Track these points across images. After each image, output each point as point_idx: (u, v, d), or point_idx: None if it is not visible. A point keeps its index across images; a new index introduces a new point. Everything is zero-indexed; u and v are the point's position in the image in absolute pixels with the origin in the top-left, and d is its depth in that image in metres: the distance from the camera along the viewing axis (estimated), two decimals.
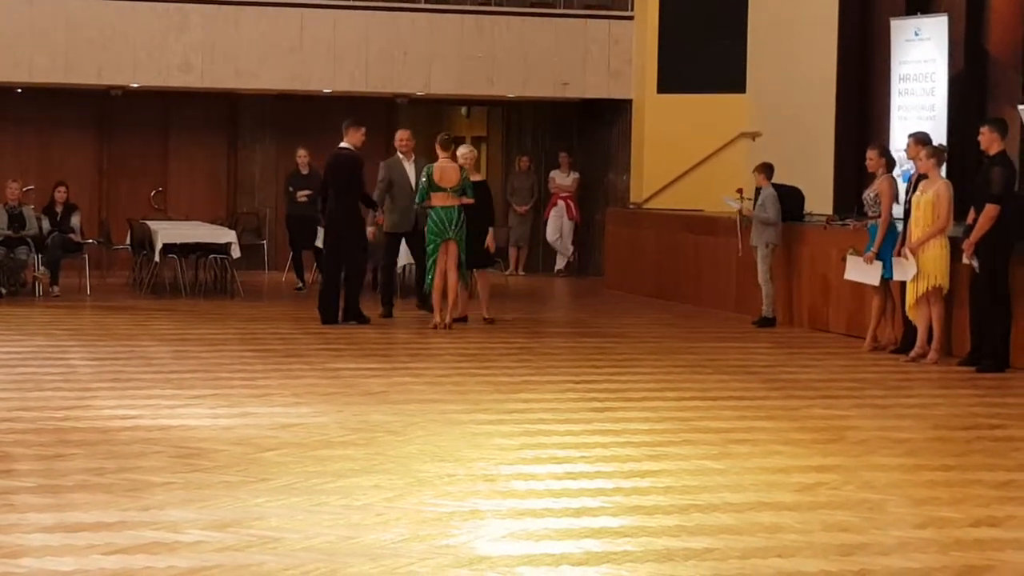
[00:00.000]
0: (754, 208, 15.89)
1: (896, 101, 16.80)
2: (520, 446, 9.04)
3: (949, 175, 13.54)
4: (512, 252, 22.82)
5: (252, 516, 7.10)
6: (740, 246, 16.17)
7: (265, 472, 8.09)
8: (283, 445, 8.89)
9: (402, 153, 16.37)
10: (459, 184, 14.88)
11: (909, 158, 13.83)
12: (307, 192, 19.24)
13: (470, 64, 21.53)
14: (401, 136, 16.64)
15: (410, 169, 16.23)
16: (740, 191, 16.19)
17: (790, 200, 16.63)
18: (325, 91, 21.62)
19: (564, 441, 9.24)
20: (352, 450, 8.79)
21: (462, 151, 15.82)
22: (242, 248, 18.58)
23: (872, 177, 14.21)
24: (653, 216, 20.01)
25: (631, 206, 21.36)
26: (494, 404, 10.61)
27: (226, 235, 18.45)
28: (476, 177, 15.85)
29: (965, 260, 12.64)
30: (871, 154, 14.18)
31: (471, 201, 14.98)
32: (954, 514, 7.43)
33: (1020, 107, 14.54)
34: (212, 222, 20.57)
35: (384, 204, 16.13)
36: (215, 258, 18.52)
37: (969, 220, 12.73)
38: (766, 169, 15.97)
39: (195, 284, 18.71)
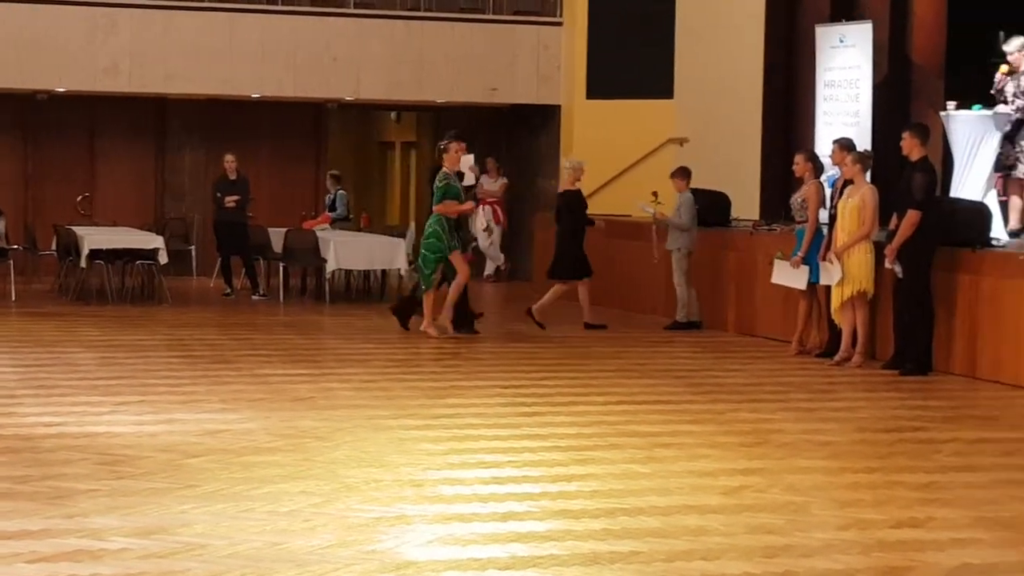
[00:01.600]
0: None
1: (821, 107, 16.94)
2: (447, 451, 9.06)
3: (873, 180, 13.68)
4: None
5: (178, 523, 7.07)
6: (655, 252, 16.23)
7: (191, 479, 8.06)
8: (209, 451, 8.86)
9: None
10: (436, 192, 14.82)
11: (834, 164, 13.95)
12: (235, 198, 19.17)
13: (400, 69, 21.52)
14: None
15: None
16: (655, 194, 16.23)
17: (716, 205, 16.77)
18: (254, 96, 21.55)
19: (491, 446, 9.26)
20: (279, 456, 8.77)
21: (564, 164, 16.16)
22: (170, 254, 18.49)
23: (799, 182, 14.32)
24: None
25: None
26: (422, 409, 10.62)
27: (153, 241, 18.34)
28: (569, 187, 16.07)
29: (888, 265, 12.77)
30: (799, 159, 14.30)
31: (447, 208, 14.79)
32: (877, 515, 7.51)
33: (942, 113, 14.71)
34: (140, 228, 20.44)
35: None
36: (142, 264, 18.41)
37: (892, 225, 12.87)
38: (683, 174, 16.09)
39: (122, 290, 18.59)
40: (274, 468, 8.40)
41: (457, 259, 14.88)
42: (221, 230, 19.46)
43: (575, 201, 16.00)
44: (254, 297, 19.06)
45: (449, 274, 14.98)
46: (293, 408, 10.55)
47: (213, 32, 20.85)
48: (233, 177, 19.43)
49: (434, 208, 14.80)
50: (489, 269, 22.66)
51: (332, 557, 6.55)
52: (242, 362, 13.05)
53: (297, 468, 8.42)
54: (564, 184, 16.27)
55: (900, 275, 12.69)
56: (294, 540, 6.81)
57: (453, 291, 14.99)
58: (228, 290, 19.36)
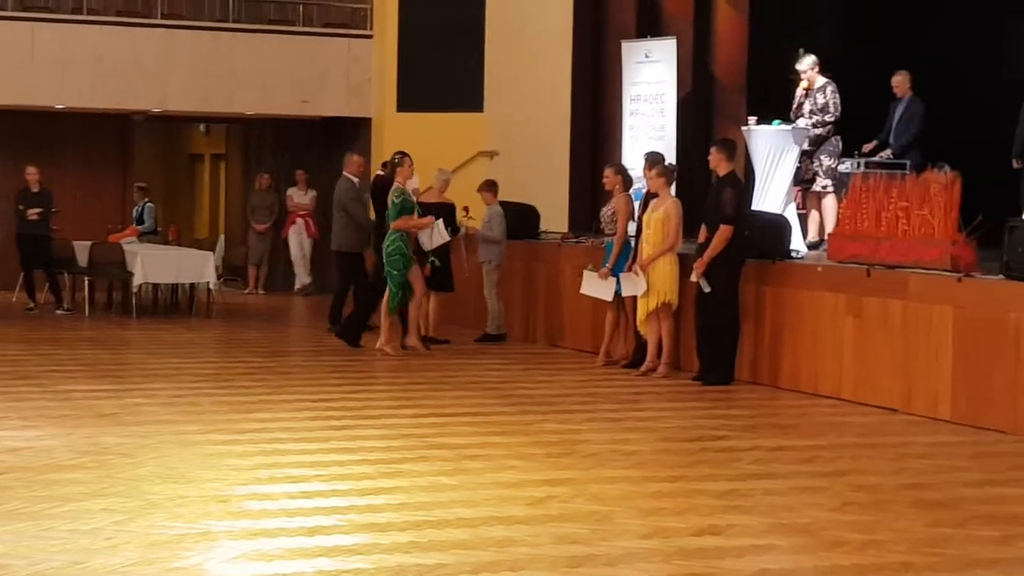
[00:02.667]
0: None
1: (628, 121, 17.18)
2: (255, 466, 9.00)
3: (678, 194, 13.91)
4: (251, 271, 22.67)
5: None
6: (466, 265, 16.29)
7: None
8: (10, 469, 8.69)
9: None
10: (393, 208, 14.69)
11: (644, 177, 14.15)
12: (37, 210, 18.81)
13: (208, 80, 21.31)
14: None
15: None
16: (466, 209, 16.39)
17: (525, 218, 16.91)
18: (57, 107, 21.16)
19: (300, 460, 9.23)
20: (81, 473, 8.64)
21: (436, 176, 16.15)
22: None
23: (609, 195, 14.50)
24: None
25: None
26: (229, 424, 10.54)
27: None
28: (438, 199, 15.97)
29: (694, 279, 12.98)
30: (608, 172, 14.48)
31: (405, 223, 14.64)
32: (679, 524, 7.65)
33: (743, 128, 15.02)
34: None
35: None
36: None
37: (700, 239, 13.08)
38: (491, 187, 16.22)
39: None
40: (76, 486, 8.27)
41: (415, 275, 14.73)
42: (24, 243, 19.07)
43: (446, 213, 15.98)
44: (58, 312, 18.72)
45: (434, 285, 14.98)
46: (97, 424, 10.40)
47: (13, 41, 20.40)
48: (36, 189, 19.06)
49: (391, 225, 14.61)
50: (299, 282, 22.56)
51: (135, 575, 6.48)
52: (45, 378, 12.81)
53: (100, 485, 8.30)
54: (432, 195, 16.16)
55: (706, 289, 12.90)
56: (96, 558, 6.72)
57: (412, 308, 14.84)
58: (31, 305, 18.98)
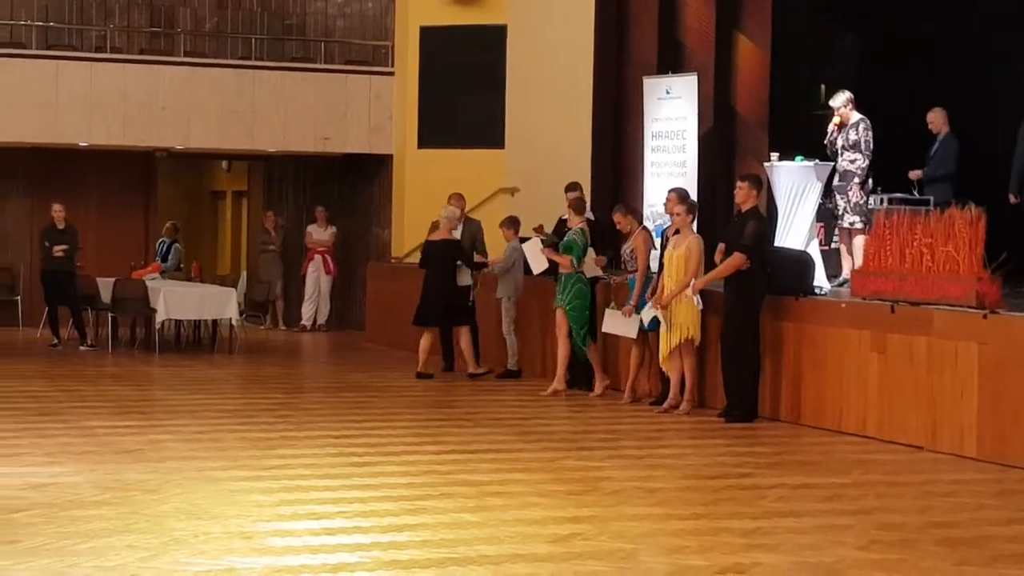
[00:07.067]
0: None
1: (649, 157, 17.21)
2: (278, 502, 8.99)
3: (699, 230, 13.90)
4: (276, 307, 22.73)
5: None
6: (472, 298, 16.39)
7: (14, 534, 7.89)
8: (34, 506, 8.68)
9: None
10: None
11: (667, 212, 14.13)
12: (63, 247, 18.91)
13: (230, 118, 21.42)
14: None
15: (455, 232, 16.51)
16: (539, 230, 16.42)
17: None
18: (81, 144, 21.27)
19: (322, 497, 9.22)
20: (106, 510, 8.63)
21: (443, 214, 16.24)
22: None
23: (626, 236, 14.50)
24: (413, 271, 19.99)
25: (392, 260, 21.45)
26: (252, 460, 10.54)
27: None
28: (446, 235, 16.18)
29: (689, 293, 13.00)
30: (618, 217, 14.51)
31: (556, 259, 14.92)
32: (703, 562, 7.61)
33: (766, 164, 15.02)
34: None
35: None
36: None
37: (717, 259, 13.02)
38: (512, 223, 16.26)
39: None
40: (100, 522, 8.27)
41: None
42: (48, 280, 19.16)
43: (454, 249, 16.04)
44: (82, 348, 18.78)
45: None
46: (121, 460, 10.40)
47: (39, 80, 20.56)
48: (62, 226, 19.18)
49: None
50: (320, 318, 22.59)
51: None
52: (69, 414, 12.84)
53: (124, 522, 8.30)
54: (441, 232, 16.22)
55: (699, 307, 12.95)
56: None
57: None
58: (55, 341, 19.05)
